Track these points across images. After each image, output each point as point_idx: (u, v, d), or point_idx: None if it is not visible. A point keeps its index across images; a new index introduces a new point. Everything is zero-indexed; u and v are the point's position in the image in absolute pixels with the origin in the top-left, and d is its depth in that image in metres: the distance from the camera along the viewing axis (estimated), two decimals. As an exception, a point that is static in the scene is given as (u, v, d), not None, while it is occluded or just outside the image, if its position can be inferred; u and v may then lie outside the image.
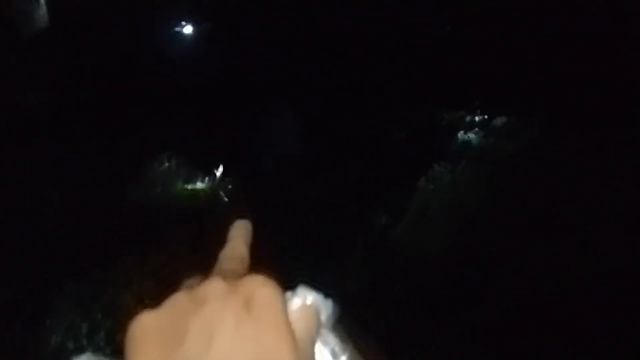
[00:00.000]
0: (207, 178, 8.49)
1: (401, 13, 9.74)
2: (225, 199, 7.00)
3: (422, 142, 8.74)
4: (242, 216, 0.49)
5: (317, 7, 9.68)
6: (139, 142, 7.71)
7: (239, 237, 0.47)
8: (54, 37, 8.25)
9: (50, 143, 6.45)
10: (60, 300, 3.90)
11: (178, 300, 0.38)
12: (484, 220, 5.34)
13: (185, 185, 8.13)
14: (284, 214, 5.86)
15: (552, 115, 8.20)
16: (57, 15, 8.38)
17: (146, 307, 0.40)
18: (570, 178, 5.96)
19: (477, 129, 9.33)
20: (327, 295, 0.41)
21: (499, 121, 9.30)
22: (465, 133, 9.07)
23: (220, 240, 0.48)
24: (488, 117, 9.57)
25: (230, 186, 8.17)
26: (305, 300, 0.40)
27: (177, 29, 10.60)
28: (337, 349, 0.40)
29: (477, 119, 9.75)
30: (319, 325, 0.40)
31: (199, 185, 8.30)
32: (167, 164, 8.29)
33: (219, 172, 8.42)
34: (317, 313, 0.40)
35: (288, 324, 0.37)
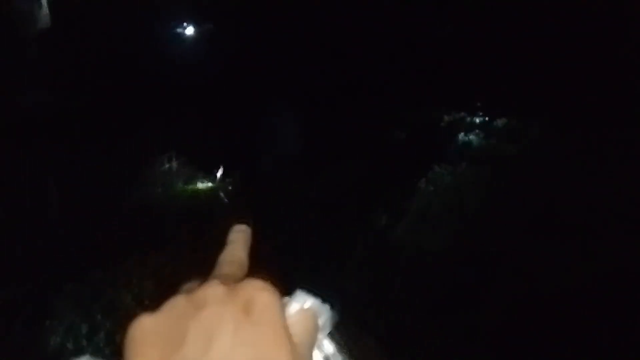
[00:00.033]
0: (207, 179, 8.50)
1: (401, 13, 9.73)
2: (226, 200, 7.01)
3: (422, 143, 8.74)
4: (241, 221, 0.49)
5: (317, 7, 9.68)
6: (139, 143, 7.71)
7: (238, 241, 0.47)
8: (55, 38, 8.26)
9: (51, 143, 6.45)
10: (60, 301, 3.89)
11: (177, 303, 0.39)
12: (484, 220, 5.34)
13: (186, 186, 8.13)
14: (284, 214, 5.86)
15: (552, 116, 8.19)
16: (58, 16, 8.39)
17: (146, 309, 0.40)
18: (570, 179, 5.96)
19: (477, 130, 9.32)
20: (324, 300, 0.41)
21: (500, 122, 9.29)
22: (465, 134, 9.07)
23: (220, 241, 0.48)
24: (489, 119, 9.57)
25: (230, 186, 8.17)
26: (303, 305, 0.40)
27: (178, 30, 10.62)
28: (331, 355, 0.41)
29: (477, 120, 9.75)
30: (316, 329, 0.40)
31: (200, 185, 8.30)
32: (167, 165, 8.29)
33: (219, 172, 8.43)
34: (314, 317, 0.40)
35: (286, 328, 0.37)
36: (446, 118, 9.62)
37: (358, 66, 9.29)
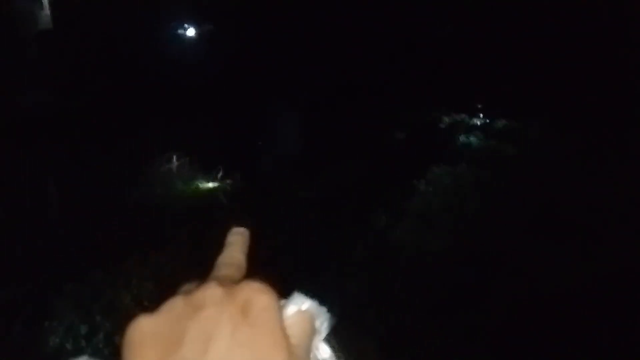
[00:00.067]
0: (207, 179, 8.50)
1: (401, 13, 9.74)
2: (225, 201, 7.00)
3: (422, 144, 8.75)
4: (239, 223, 0.49)
5: (317, 8, 9.69)
6: (140, 143, 7.71)
7: (236, 243, 0.47)
8: (56, 38, 8.26)
9: (51, 143, 6.45)
10: (59, 301, 3.89)
11: (176, 305, 0.38)
12: (484, 221, 5.34)
13: (186, 186, 8.13)
14: (283, 214, 5.86)
15: (551, 117, 8.20)
16: (59, 17, 8.39)
17: (145, 309, 0.40)
18: (570, 179, 5.96)
19: (477, 131, 9.34)
20: (322, 302, 0.41)
21: (499, 123, 9.30)
22: (465, 135, 9.08)
23: (219, 242, 0.48)
24: (488, 120, 9.58)
25: (230, 187, 8.18)
26: (300, 307, 0.40)
27: (179, 30, 10.63)
28: (328, 358, 0.41)
29: (477, 121, 9.76)
30: (313, 331, 0.40)
31: (199, 186, 8.30)
32: (167, 165, 8.29)
33: (219, 173, 8.43)
34: (312, 320, 0.40)
35: (283, 330, 0.37)
36: (446, 119, 9.64)
37: (358, 66, 9.30)
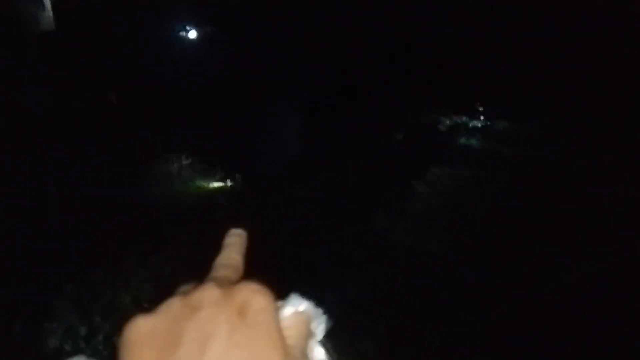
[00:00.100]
0: (207, 180, 8.51)
1: (401, 14, 9.75)
2: (225, 202, 7.00)
3: (422, 145, 8.75)
4: (237, 225, 0.50)
5: (317, 10, 9.70)
6: (140, 144, 7.72)
7: (234, 245, 0.48)
8: (58, 39, 8.27)
9: (51, 144, 6.45)
10: (59, 302, 3.89)
11: (173, 305, 0.39)
12: (483, 222, 5.34)
13: (186, 187, 8.13)
14: (283, 215, 5.86)
15: (551, 118, 8.20)
16: (61, 18, 8.40)
17: (144, 310, 0.40)
18: (569, 180, 5.96)
19: (476, 132, 9.34)
20: (318, 304, 0.41)
21: (499, 125, 9.31)
22: (465, 136, 9.08)
23: (219, 244, 0.49)
24: (488, 121, 9.58)
25: (230, 187, 8.18)
26: (297, 308, 0.40)
27: (180, 31, 10.64)
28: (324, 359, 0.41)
29: (476, 122, 9.77)
30: (310, 333, 0.41)
31: (200, 187, 8.30)
32: (167, 166, 8.29)
33: (219, 174, 8.44)
34: (308, 321, 0.41)
35: (280, 331, 0.38)
36: (446, 120, 9.65)
37: (358, 68, 9.31)
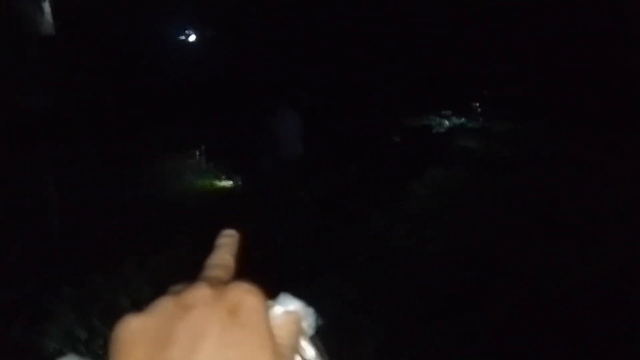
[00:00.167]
0: (207, 181, 8.52)
1: (401, 14, 9.77)
2: (224, 203, 7.01)
3: (420, 146, 8.77)
4: (237, 226, 0.50)
5: (317, 12, 9.72)
6: (139, 145, 7.73)
7: (226, 245, 0.48)
8: (58, 41, 8.29)
9: (50, 145, 6.46)
10: (58, 305, 3.88)
11: (164, 305, 0.39)
12: (483, 223, 5.34)
13: (185, 188, 8.15)
14: (282, 216, 5.87)
15: (550, 118, 8.21)
16: (61, 22, 8.42)
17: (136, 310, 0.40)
18: (569, 181, 5.96)
19: (476, 133, 9.35)
20: (308, 303, 0.41)
21: (498, 125, 9.32)
22: (464, 137, 9.09)
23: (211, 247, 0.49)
24: (487, 122, 9.60)
25: (230, 188, 8.20)
26: (287, 308, 0.41)
27: (180, 34, 10.68)
28: (313, 358, 0.41)
29: (475, 123, 9.78)
30: (300, 332, 0.41)
31: (199, 188, 8.32)
32: (167, 168, 8.31)
33: (219, 175, 8.46)
34: (298, 320, 0.41)
35: (270, 331, 0.38)
36: (445, 121, 9.67)
37: (357, 69, 9.33)
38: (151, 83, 8.64)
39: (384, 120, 9.00)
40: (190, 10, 10.06)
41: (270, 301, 0.41)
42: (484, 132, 8.84)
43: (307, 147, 7.30)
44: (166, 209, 6.23)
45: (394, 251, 4.97)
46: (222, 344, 0.36)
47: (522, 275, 4.45)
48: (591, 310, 3.85)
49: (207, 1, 10.14)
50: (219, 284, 0.40)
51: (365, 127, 8.41)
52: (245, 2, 9.83)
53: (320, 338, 0.42)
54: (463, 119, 9.70)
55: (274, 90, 8.11)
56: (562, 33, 8.46)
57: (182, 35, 10.47)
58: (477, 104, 9.84)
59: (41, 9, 8.13)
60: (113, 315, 0.40)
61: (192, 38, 10.56)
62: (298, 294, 0.43)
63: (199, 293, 0.39)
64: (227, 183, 8.14)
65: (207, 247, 0.49)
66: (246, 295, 0.39)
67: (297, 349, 0.40)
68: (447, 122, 9.66)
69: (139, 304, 0.40)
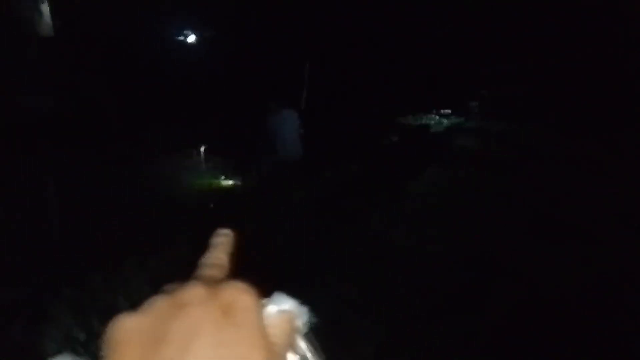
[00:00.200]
0: (207, 181, 8.52)
1: (401, 14, 9.77)
2: (224, 204, 7.00)
3: (420, 146, 8.78)
4: (236, 226, 0.50)
5: (317, 12, 9.72)
6: (139, 146, 7.73)
7: (221, 245, 0.48)
8: (58, 41, 8.29)
9: (50, 146, 6.46)
10: (57, 306, 3.88)
11: (158, 304, 0.39)
12: (482, 223, 5.34)
13: (185, 189, 8.14)
14: (283, 214, 5.87)
15: (549, 118, 8.21)
16: (60, 22, 8.42)
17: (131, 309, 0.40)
18: (568, 180, 5.96)
19: (475, 133, 9.36)
20: (302, 302, 0.41)
21: (497, 125, 9.33)
22: (463, 137, 9.09)
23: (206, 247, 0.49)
24: (486, 122, 9.61)
25: (229, 189, 8.19)
26: (281, 307, 0.41)
27: (180, 35, 10.68)
28: (307, 357, 0.41)
29: (475, 123, 9.79)
30: (293, 331, 0.41)
31: (199, 188, 8.31)
32: (167, 168, 8.30)
33: (218, 176, 8.45)
34: (292, 319, 0.41)
35: (264, 329, 0.38)
36: (444, 121, 9.68)
37: (356, 69, 9.33)
38: (151, 83, 8.63)
39: (384, 120, 9.00)
40: (189, 10, 10.05)
41: (264, 300, 0.41)
42: (483, 132, 8.84)
43: (307, 147, 7.29)
44: (166, 209, 6.22)
45: (394, 251, 4.97)
46: (216, 342, 0.35)
47: (522, 275, 4.44)
48: (591, 310, 3.85)
49: (206, 1, 10.13)
50: (213, 283, 0.40)
51: (365, 127, 8.41)
52: (245, 3, 9.83)
53: (317, 337, 0.42)
54: (462, 119, 9.71)
55: (274, 90, 8.11)
56: (562, 33, 8.46)
57: (181, 35, 10.47)
58: (476, 104, 9.85)
59: (41, 10, 8.13)
60: (112, 316, 0.40)
61: (192, 38, 10.56)
62: (298, 294, 0.43)
63: (193, 292, 0.39)
64: (227, 183, 8.13)
65: (207, 247, 0.50)
66: (240, 294, 0.38)
67: (291, 348, 0.40)
68: (446, 122, 9.67)
69: (139, 304, 0.40)
